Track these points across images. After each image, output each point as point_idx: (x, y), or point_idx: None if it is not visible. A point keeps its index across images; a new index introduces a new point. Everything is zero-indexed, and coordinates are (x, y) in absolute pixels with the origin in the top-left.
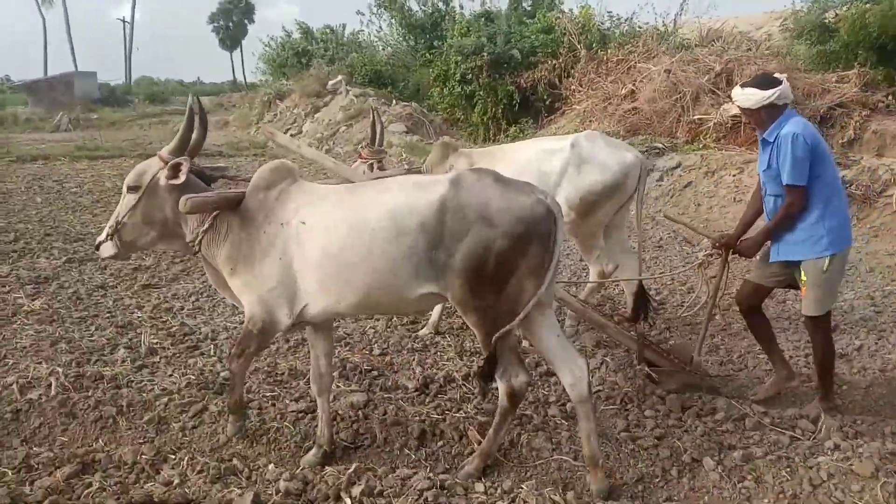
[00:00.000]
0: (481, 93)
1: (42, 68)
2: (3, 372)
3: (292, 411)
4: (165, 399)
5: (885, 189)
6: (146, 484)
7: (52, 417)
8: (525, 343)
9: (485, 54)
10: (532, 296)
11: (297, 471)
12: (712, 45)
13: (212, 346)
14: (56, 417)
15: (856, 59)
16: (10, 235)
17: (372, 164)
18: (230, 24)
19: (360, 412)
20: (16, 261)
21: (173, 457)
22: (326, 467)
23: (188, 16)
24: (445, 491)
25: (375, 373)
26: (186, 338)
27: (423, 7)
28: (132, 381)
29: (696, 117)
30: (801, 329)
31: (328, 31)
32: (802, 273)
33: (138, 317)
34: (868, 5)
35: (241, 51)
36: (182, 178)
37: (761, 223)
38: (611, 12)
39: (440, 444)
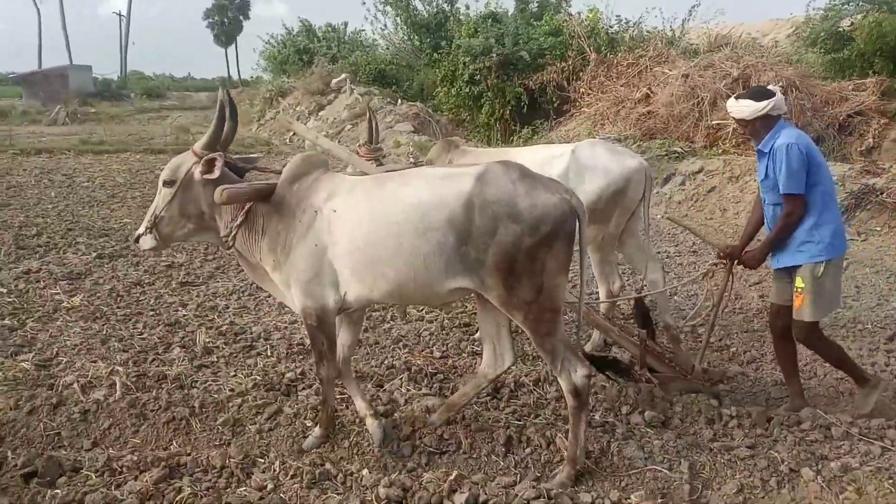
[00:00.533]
0: (489, 94)
1: (36, 61)
2: (60, 371)
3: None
4: (239, 401)
5: None
6: (238, 489)
7: (121, 418)
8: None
9: (493, 55)
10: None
11: (394, 476)
12: (720, 51)
13: (267, 346)
14: (126, 418)
15: (871, 68)
16: (32, 230)
17: (379, 159)
18: (225, 19)
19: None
20: (43, 255)
21: (262, 460)
22: (424, 474)
23: (181, 11)
24: (552, 501)
25: (441, 376)
26: (239, 337)
27: (427, 7)
28: (196, 382)
29: (714, 122)
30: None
31: (330, 28)
32: (799, 279)
33: (184, 315)
34: (885, 14)
35: (236, 47)
36: (217, 172)
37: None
38: (619, 16)
39: (528, 450)
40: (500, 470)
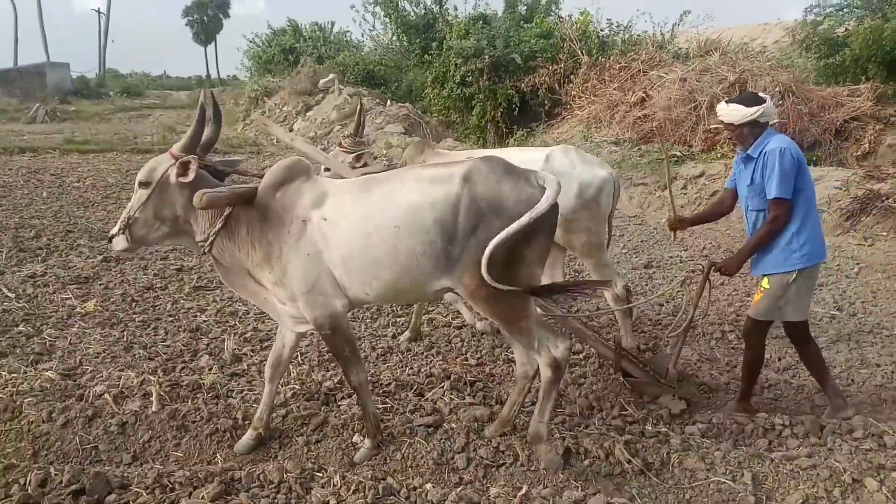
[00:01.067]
0: (480, 96)
1: (12, 59)
2: (87, 380)
3: (420, 425)
4: (282, 411)
5: None
6: None
7: (162, 431)
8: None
9: (486, 57)
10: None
11: (460, 490)
12: (711, 55)
13: (297, 354)
14: (167, 431)
15: (864, 74)
16: (30, 232)
17: (359, 155)
18: (205, 17)
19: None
20: (45, 259)
21: (320, 475)
22: (490, 489)
23: (157, 9)
24: None
25: (480, 384)
26: (265, 344)
27: (415, 8)
28: (232, 391)
29: (713, 126)
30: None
31: (317, 28)
32: (766, 280)
33: (205, 321)
34: (880, 21)
35: (216, 45)
36: (191, 176)
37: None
38: (609, 19)
39: (586, 462)
40: (562, 483)
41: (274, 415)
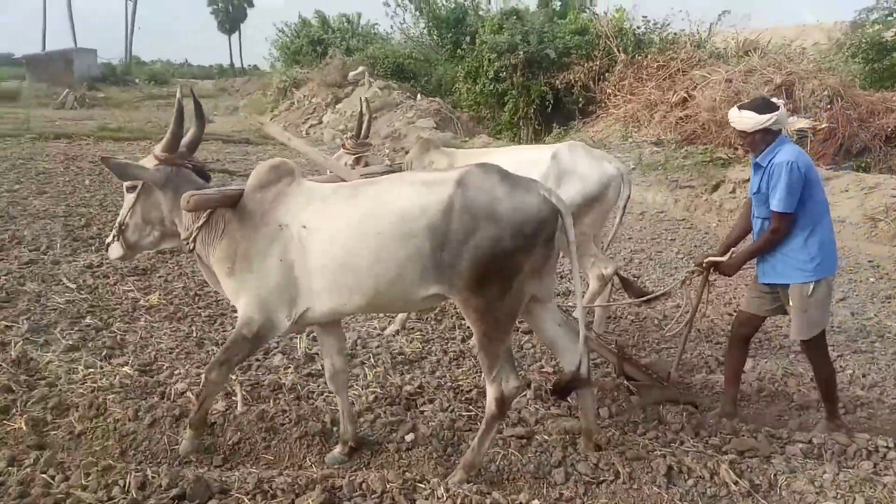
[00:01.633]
0: (513, 91)
1: (41, 44)
2: (167, 377)
3: (511, 436)
4: (370, 416)
5: None
6: None
7: (251, 433)
8: None
9: (520, 52)
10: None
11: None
12: (750, 56)
13: (368, 354)
14: (256, 433)
15: None
16: (80, 220)
17: (360, 157)
18: (230, 6)
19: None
20: (99, 248)
21: (422, 485)
22: None
23: None
24: None
25: None
26: None
27: (446, 2)
28: (312, 392)
29: None
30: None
31: (345, 20)
32: (789, 298)
33: None
34: None
35: (240, 35)
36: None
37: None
38: (646, 17)
39: (690, 482)
40: (666, 503)
41: (361, 419)
